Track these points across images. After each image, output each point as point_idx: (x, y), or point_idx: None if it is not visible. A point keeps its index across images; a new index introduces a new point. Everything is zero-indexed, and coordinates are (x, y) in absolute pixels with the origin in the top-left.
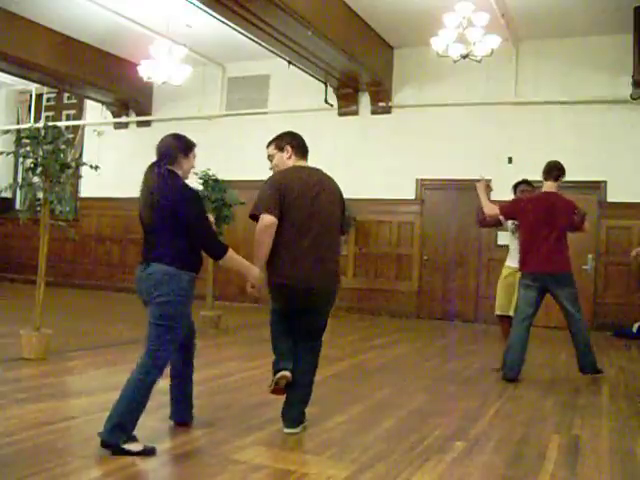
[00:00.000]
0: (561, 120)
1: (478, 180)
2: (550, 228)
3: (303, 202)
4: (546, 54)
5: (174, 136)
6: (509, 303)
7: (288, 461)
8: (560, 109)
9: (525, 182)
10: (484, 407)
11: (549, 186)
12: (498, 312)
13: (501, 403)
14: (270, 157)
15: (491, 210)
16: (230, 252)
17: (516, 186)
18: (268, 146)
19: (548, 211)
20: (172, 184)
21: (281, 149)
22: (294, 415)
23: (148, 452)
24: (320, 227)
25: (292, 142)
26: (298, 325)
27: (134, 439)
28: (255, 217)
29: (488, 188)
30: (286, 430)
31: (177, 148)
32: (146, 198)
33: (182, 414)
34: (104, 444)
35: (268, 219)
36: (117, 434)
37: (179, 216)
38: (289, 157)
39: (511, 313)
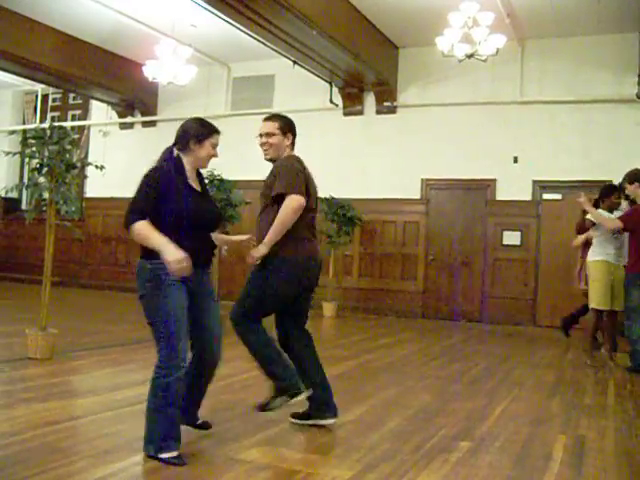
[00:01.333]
0: (567, 119)
1: (578, 197)
2: None
3: (313, 189)
4: (552, 53)
5: (194, 120)
6: (611, 298)
7: (293, 461)
8: (566, 108)
9: (614, 188)
10: (490, 407)
11: None
12: (600, 307)
13: (507, 403)
14: (269, 134)
15: (614, 224)
16: (138, 225)
17: (607, 193)
18: (269, 120)
19: None
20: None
21: (284, 134)
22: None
23: (173, 461)
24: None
25: (294, 133)
26: (299, 308)
27: (168, 447)
28: (280, 197)
29: (591, 201)
30: (333, 420)
31: (191, 133)
32: None
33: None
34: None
35: (301, 200)
36: (145, 443)
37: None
38: (288, 145)
39: (617, 308)
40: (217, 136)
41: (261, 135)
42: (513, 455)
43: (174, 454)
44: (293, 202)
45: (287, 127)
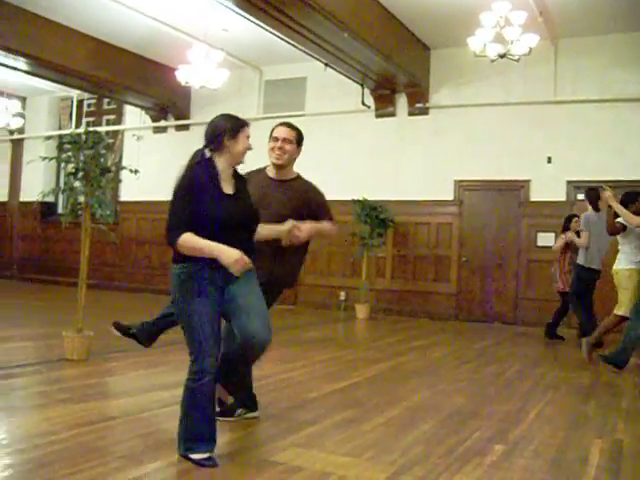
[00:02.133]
0: (601, 119)
1: (602, 190)
2: None
3: None
4: (585, 52)
5: (221, 116)
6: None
7: (326, 463)
8: (600, 107)
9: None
10: (524, 410)
11: None
12: (626, 314)
13: (541, 406)
14: (285, 140)
15: (637, 221)
16: (182, 240)
17: (632, 199)
18: (288, 127)
19: None
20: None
21: (299, 145)
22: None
23: (203, 462)
24: None
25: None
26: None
27: (198, 448)
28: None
29: (615, 196)
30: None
31: (223, 130)
32: None
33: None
34: None
35: None
36: (177, 442)
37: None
38: (297, 157)
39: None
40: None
41: (277, 139)
42: (548, 459)
43: (204, 455)
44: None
45: (301, 140)
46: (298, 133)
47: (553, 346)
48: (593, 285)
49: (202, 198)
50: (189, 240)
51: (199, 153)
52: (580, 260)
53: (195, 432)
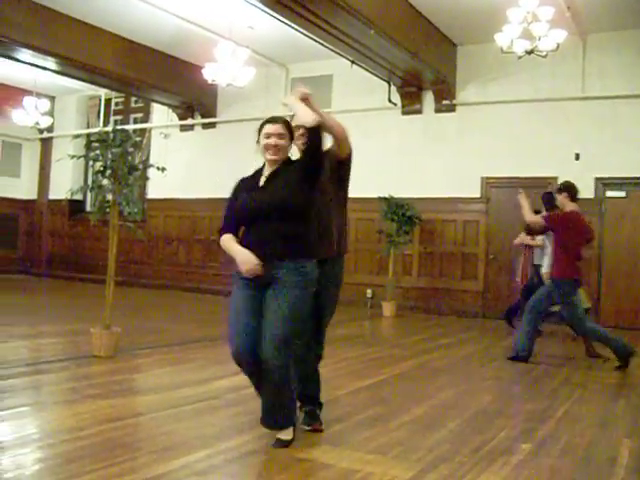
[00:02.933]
0: (630, 114)
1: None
2: None
3: None
4: (614, 47)
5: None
6: None
7: (353, 460)
8: (629, 103)
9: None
10: (551, 409)
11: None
12: None
13: (569, 405)
14: (303, 135)
15: (534, 218)
16: (221, 241)
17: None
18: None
19: None
20: None
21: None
22: None
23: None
24: None
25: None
26: None
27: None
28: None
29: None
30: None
31: (258, 130)
32: None
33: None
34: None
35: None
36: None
37: None
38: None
39: None
40: (268, 125)
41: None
42: (576, 458)
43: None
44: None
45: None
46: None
47: (581, 344)
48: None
49: (240, 196)
50: (223, 242)
51: None
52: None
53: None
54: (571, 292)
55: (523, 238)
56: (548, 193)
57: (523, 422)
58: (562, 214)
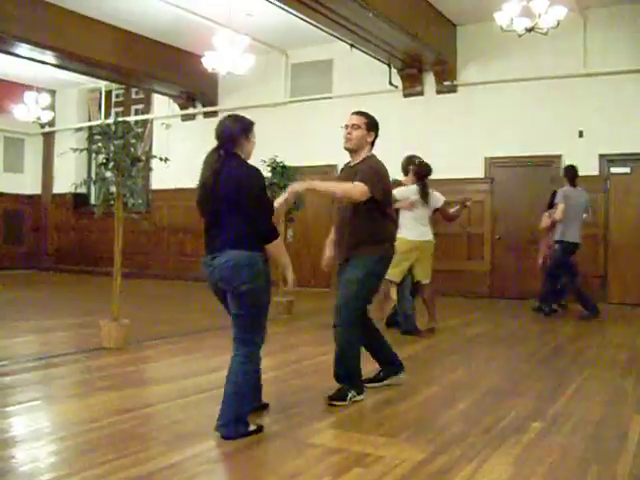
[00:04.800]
0: (633, 90)
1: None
2: None
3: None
4: (615, 22)
5: (234, 118)
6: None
7: (364, 444)
8: (632, 78)
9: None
10: (561, 387)
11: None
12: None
13: (578, 383)
14: (355, 126)
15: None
16: (279, 240)
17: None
18: (356, 114)
19: None
20: (238, 165)
21: (369, 130)
22: None
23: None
24: None
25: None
26: None
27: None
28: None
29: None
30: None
31: (238, 130)
32: (211, 183)
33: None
34: None
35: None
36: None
37: (244, 192)
38: (370, 143)
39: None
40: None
41: (352, 127)
42: (586, 436)
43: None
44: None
45: (371, 125)
46: (368, 120)
47: (589, 322)
48: (570, 257)
49: None
50: (281, 244)
51: (220, 150)
52: (557, 235)
53: (247, 410)
54: None
55: (553, 218)
56: (572, 166)
57: (533, 401)
58: None
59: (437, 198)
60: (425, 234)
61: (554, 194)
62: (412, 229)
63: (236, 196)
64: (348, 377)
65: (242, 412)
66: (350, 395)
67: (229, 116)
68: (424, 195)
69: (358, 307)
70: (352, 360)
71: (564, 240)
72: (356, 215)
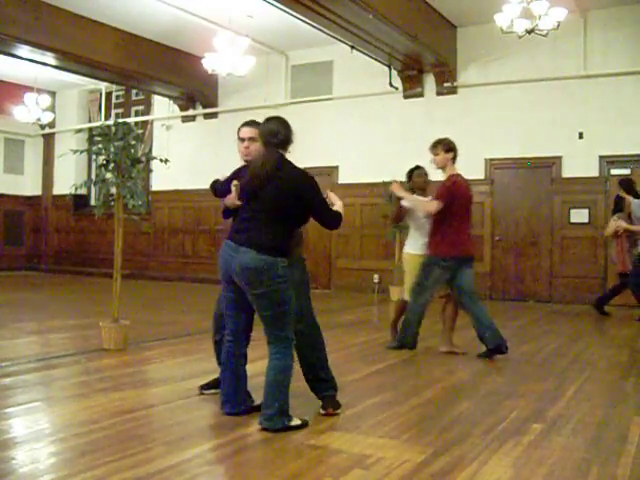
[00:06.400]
0: (633, 91)
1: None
2: None
3: None
4: (615, 23)
5: (287, 124)
6: None
7: (364, 445)
8: (632, 80)
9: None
10: (561, 388)
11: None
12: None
13: (579, 384)
14: (252, 139)
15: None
16: (341, 216)
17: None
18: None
19: None
20: (294, 168)
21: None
22: None
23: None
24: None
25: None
26: None
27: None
28: None
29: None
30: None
31: (291, 137)
32: (266, 180)
33: None
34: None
35: None
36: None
37: (302, 199)
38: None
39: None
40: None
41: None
42: (587, 437)
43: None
44: None
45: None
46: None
47: (590, 323)
48: None
49: None
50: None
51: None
52: None
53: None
54: None
55: (617, 225)
56: (627, 179)
57: (534, 402)
58: None
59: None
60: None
61: (619, 199)
62: None
63: (287, 200)
64: None
65: (285, 406)
66: None
67: (282, 119)
68: None
69: None
70: None
71: None
72: None
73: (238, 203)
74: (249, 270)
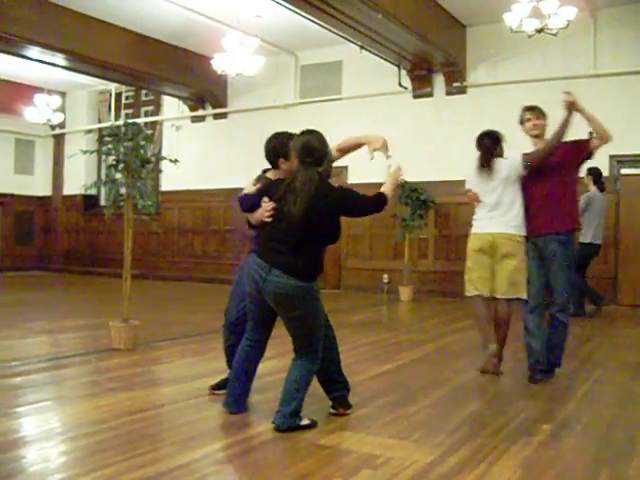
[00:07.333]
0: None
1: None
2: None
3: None
4: (626, 22)
5: (323, 138)
6: None
7: (373, 445)
8: None
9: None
10: (571, 389)
11: None
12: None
13: (589, 385)
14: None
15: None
16: (385, 194)
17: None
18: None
19: None
20: (332, 190)
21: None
22: None
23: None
24: None
25: None
26: None
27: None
28: None
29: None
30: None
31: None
32: (305, 207)
33: None
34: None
35: None
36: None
37: (342, 212)
38: None
39: None
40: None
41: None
42: (597, 438)
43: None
44: None
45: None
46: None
47: (600, 324)
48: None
49: None
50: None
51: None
52: (587, 237)
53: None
54: None
55: None
56: (595, 168)
57: (543, 403)
58: None
59: None
60: None
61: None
62: None
63: (322, 223)
64: None
65: (300, 407)
66: None
67: (317, 134)
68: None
69: None
70: None
71: (591, 242)
72: None
73: (267, 220)
74: (284, 296)
